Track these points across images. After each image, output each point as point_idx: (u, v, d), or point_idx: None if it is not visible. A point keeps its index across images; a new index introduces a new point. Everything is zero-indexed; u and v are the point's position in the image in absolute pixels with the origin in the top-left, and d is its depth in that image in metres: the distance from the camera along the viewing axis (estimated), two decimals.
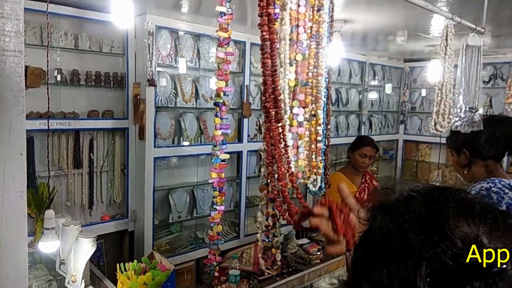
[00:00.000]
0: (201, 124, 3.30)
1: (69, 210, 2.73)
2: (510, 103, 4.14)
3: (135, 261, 1.45)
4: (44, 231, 1.85)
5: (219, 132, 1.02)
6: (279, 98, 1.06)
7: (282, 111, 1.06)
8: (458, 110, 1.68)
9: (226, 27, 0.88)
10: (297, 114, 0.98)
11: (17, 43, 0.74)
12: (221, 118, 1.02)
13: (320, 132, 1.03)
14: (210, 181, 1.04)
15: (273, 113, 1.04)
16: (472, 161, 1.60)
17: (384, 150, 5.28)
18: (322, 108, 1.02)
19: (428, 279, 0.39)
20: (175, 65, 3.07)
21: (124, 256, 3.03)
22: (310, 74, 1.05)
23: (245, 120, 3.52)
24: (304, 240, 4.00)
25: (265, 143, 1.11)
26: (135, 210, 3.01)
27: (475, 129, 1.66)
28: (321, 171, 0.99)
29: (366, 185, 3.00)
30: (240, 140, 3.54)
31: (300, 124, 0.99)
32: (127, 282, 1.28)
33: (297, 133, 0.99)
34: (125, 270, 1.44)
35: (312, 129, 1.04)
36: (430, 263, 0.39)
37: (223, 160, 1.05)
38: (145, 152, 2.86)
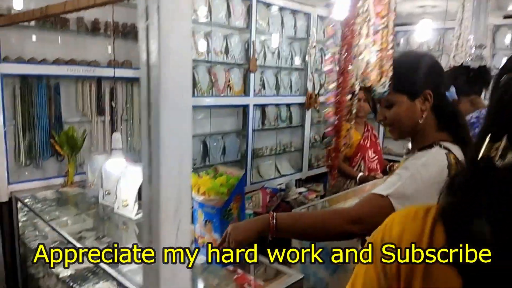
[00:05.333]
0: (212, 77, 3.44)
1: None
2: None
3: (204, 171, 1.64)
4: (112, 151, 1.99)
5: None
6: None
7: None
8: (469, 49, 1.95)
9: None
10: (374, 24, 1.19)
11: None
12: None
13: (390, 40, 1.25)
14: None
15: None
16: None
17: None
18: (393, 20, 1.24)
19: None
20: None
21: None
22: None
23: (251, 75, 3.69)
24: (302, 189, 4.31)
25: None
26: None
27: (483, 64, 1.94)
28: (390, 74, 1.21)
29: (368, 134, 3.26)
30: (246, 94, 3.71)
31: (375, 32, 1.21)
32: (206, 184, 1.45)
33: (373, 40, 1.21)
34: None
35: (383, 39, 1.25)
36: None
37: None
38: None
